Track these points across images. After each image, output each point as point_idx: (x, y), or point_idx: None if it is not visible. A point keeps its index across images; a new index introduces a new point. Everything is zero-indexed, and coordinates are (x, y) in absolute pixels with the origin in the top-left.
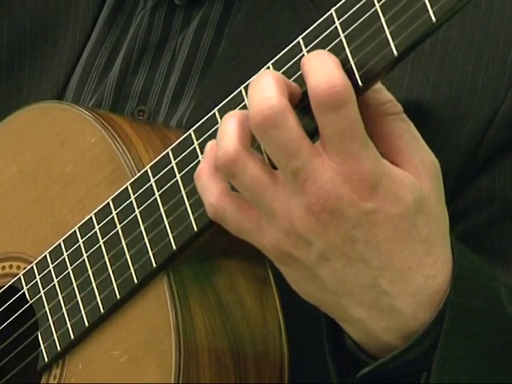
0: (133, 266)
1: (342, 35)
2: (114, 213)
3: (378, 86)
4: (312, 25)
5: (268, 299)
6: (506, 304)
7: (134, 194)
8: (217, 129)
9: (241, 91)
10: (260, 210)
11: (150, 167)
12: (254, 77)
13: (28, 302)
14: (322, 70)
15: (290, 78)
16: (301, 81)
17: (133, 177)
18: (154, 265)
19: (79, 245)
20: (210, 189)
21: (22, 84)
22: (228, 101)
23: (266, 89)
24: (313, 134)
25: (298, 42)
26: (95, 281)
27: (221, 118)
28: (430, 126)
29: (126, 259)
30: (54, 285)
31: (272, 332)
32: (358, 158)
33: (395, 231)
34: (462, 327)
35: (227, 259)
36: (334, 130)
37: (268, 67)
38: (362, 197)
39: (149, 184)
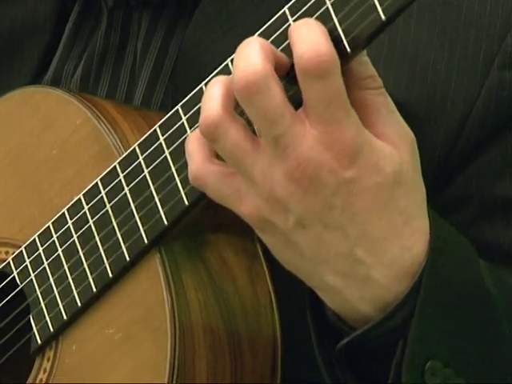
0: (124, 244)
1: (328, 3)
2: (103, 192)
3: (364, 59)
4: (280, 9)
5: (258, 274)
6: (485, 277)
7: (122, 173)
8: None
9: (227, 64)
10: (241, 175)
11: (138, 145)
12: (242, 43)
13: (18, 286)
14: (309, 38)
15: (277, 47)
16: (288, 51)
17: (120, 156)
18: (146, 241)
19: (68, 226)
20: (195, 155)
21: None
22: (215, 74)
23: (250, 55)
24: (299, 104)
25: (284, 11)
26: (86, 261)
27: None
28: None
29: (117, 238)
30: (45, 267)
31: (264, 305)
32: (340, 126)
33: (373, 201)
34: (438, 297)
35: (217, 235)
36: (319, 98)
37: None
38: (342, 165)
39: (137, 162)
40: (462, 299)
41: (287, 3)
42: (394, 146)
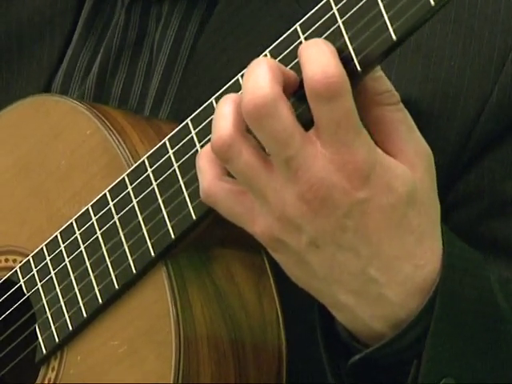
0: (131, 256)
1: (339, 21)
2: (111, 204)
3: (378, 74)
4: (293, 17)
5: (265, 288)
6: (496, 292)
7: (131, 185)
8: None
9: (238, 79)
10: (253, 195)
11: (147, 157)
12: (250, 64)
13: (25, 294)
14: (318, 59)
15: (287, 66)
16: (298, 68)
17: (129, 168)
18: (153, 254)
19: (76, 236)
20: (206, 172)
21: (1, 89)
22: (225, 89)
23: (259, 77)
24: (310, 122)
25: (296, 28)
26: (93, 272)
27: None
28: (419, 124)
29: (124, 250)
30: (51, 277)
31: (270, 321)
32: (352, 147)
33: (386, 221)
34: (452, 315)
35: (224, 249)
36: (329, 120)
37: (265, 55)
38: (354, 186)
39: (146, 174)
40: (475, 316)
41: (300, 7)
42: (409, 164)
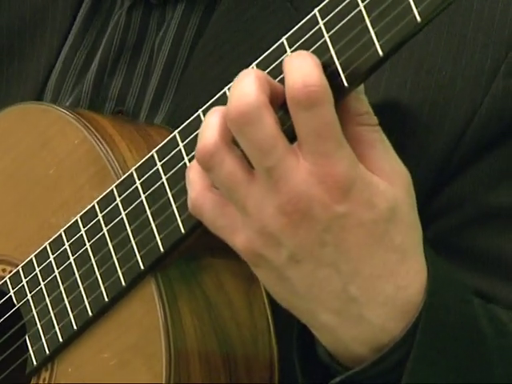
0: (120, 269)
1: (326, 36)
2: (100, 215)
3: (362, 96)
4: (290, 25)
5: (255, 296)
6: (479, 318)
7: (119, 197)
8: None
9: (225, 92)
10: (235, 207)
11: (135, 169)
12: (239, 74)
13: (15, 305)
14: (300, 69)
15: (275, 79)
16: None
17: (117, 178)
18: (142, 267)
19: (65, 248)
20: (195, 183)
21: (1, 84)
22: (213, 102)
23: (245, 85)
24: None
25: (282, 42)
26: (83, 284)
27: None
28: (407, 131)
29: (114, 262)
30: (41, 288)
31: (261, 330)
32: (332, 159)
33: (367, 237)
34: (434, 342)
35: (214, 258)
36: (308, 129)
37: (252, 67)
38: (334, 199)
39: (134, 186)
40: (458, 343)
41: (298, 15)
42: (389, 182)
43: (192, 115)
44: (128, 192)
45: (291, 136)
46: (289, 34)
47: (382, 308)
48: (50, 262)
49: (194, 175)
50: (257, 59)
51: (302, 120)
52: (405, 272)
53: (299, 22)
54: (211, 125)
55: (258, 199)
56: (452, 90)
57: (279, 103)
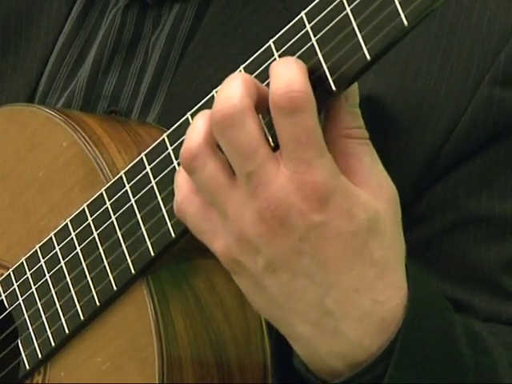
0: (111, 273)
1: (313, 39)
2: (90, 219)
3: (356, 109)
4: (283, 27)
5: None
6: (459, 337)
7: (109, 200)
8: None
9: (213, 95)
10: (215, 211)
11: (125, 173)
12: (226, 78)
13: (6, 308)
14: (285, 75)
15: (262, 82)
16: None
17: (107, 180)
18: (133, 271)
19: (56, 252)
20: (182, 187)
21: None
22: (201, 105)
23: (231, 89)
24: None
25: (270, 45)
26: (74, 288)
27: None
28: (390, 134)
29: (104, 266)
30: (32, 292)
31: (254, 330)
32: (311, 167)
33: (345, 249)
34: (412, 361)
35: (205, 259)
36: (289, 135)
37: (240, 71)
38: (312, 208)
39: (124, 190)
40: (434, 363)
41: (290, 16)
42: (373, 196)
43: (182, 116)
44: (118, 196)
45: (277, 142)
46: (276, 37)
47: (359, 323)
48: (41, 265)
49: (182, 179)
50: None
51: (283, 126)
52: (383, 287)
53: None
54: (197, 127)
55: (238, 204)
56: (436, 96)
57: (267, 108)
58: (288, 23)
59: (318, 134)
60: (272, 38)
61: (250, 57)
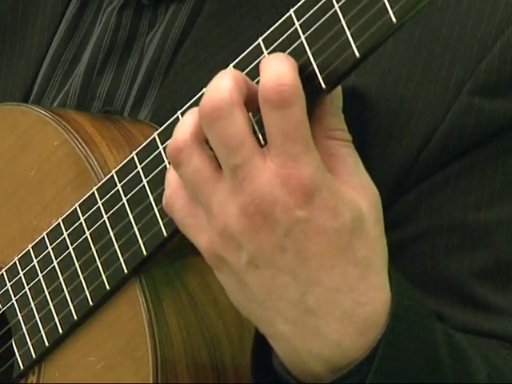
0: (104, 273)
1: (302, 37)
2: (82, 219)
3: (339, 111)
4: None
5: None
6: (440, 346)
7: (101, 200)
8: None
9: (203, 93)
10: (200, 206)
11: (116, 172)
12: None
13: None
14: (275, 68)
15: (252, 80)
16: None
17: (98, 180)
18: (126, 271)
19: (48, 251)
20: (170, 182)
21: None
22: (192, 103)
23: (221, 83)
24: None
25: (259, 43)
26: (67, 288)
27: None
28: (367, 139)
29: (97, 266)
30: (26, 292)
31: (248, 327)
32: (298, 162)
33: (328, 247)
34: (393, 369)
35: (198, 257)
36: (277, 129)
37: (230, 69)
38: (296, 203)
39: (115, 189)
40: (415, 371)
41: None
42: (357, 196)
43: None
44: (109, 195)
45: (266, 140)
46: (265, 35)
47: (339, 322)
48: (34, 265)
49: (171, 175)
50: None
51: (271, 119)
52: (365, 288)
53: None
54: (185, 122)
55: (223, 198)
56: (415, 104)
57: (256, 105)
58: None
59: (306, 129)
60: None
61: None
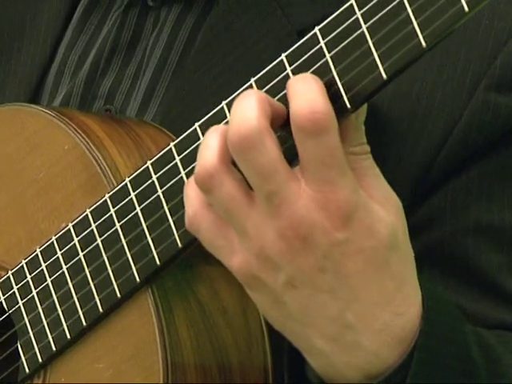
0: (116, 281)
1: (327, 55)
2: (94, 225)
3: (361, 126)
4: (281, 34)
5: (249, 302)
6: (471, 346)
7: (113, 207)
8: (198, 144)
9: (223, 107)
10: (234, 229)
11: (130, 180)
12: (238, 92)
13: (6, 311)
14: (306, 94)
15: (274, 97)
16: (285, 100)
17: (109, 185)
18: (138, 280)
19: (58, 257)
20: (193, 200)
21: None
22: (210, 116)
23: (247, 109)
24: (297, 157)
25: (282, 59)
26: (76, 294)
27: (202, 133)
28: (385, 141)
29: (108, 274)
30: (33, 296)
31: (255, 335)
32: (335, 186)
33: (366, 264)
34: (429, 372)
35: (208, 265)
36: (313, 156)
37: (251, 84)
38: (335, 226)
39: (129, 198)
40: (450, 373)
41: (288, 23)
42: (384, 209)
43: (180, 121)
44: (122, 204)
45: (291, 155)
46: (288, 51)
47: (378, 335)
48: (42, 270)
49: (192, 192)
50: (247, 67)
51: (306, 147)
52: (401, 299)
53: (290, 31)
54: (211, 145)
55: (258, 223)
56: (431, 103)
57: (280, 124)
58: (286, 30)
59: (341, 153)
60: (271, 43)
61: (250, 63)
